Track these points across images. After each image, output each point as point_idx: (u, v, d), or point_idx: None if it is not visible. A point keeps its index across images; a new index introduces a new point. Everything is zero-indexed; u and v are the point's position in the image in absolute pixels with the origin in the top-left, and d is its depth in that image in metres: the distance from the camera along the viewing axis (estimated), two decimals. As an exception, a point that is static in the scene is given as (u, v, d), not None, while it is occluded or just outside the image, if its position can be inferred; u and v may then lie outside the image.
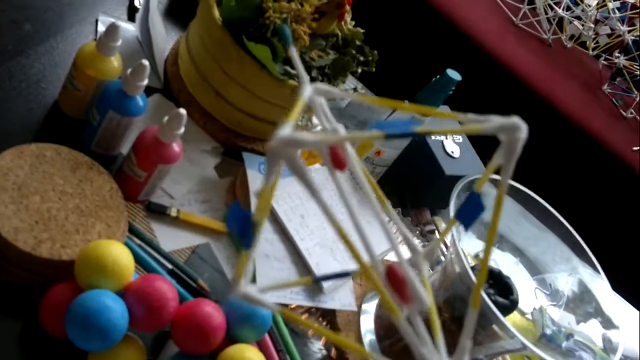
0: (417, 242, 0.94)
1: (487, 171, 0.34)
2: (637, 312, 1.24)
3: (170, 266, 0.72)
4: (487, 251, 0.34)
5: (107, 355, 0.58)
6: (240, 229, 0.34)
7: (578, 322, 0.80)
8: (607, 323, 0.78)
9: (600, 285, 0.80)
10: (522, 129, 0.31)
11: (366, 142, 0.97)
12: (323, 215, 0.90)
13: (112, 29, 0.71)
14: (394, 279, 0.33)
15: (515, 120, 0.32)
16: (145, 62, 0.69)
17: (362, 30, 0.90)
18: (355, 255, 0.33)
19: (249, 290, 0.33)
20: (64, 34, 0.86)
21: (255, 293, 0.33)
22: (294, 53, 0.36)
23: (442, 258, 0.98)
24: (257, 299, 0.33)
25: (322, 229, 0.85)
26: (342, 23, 0.89)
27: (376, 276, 0.33)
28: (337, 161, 0.36)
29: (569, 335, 0.78)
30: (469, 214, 0.36)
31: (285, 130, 0.31)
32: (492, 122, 0.32)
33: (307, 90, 0.35)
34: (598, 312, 0.80)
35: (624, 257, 1.81)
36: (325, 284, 0.80)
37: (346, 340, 0.34)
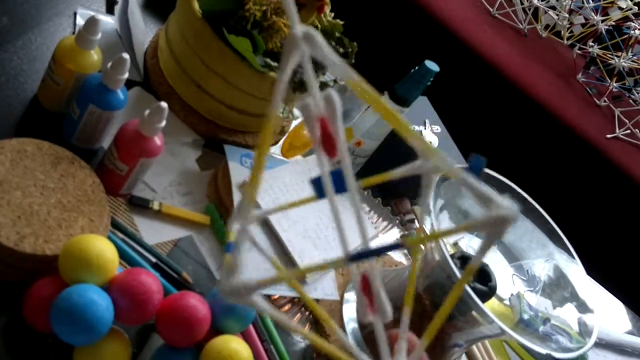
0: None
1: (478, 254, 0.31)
2: (612, 295, 1.27)
3: (153, 259, 0.72)
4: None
5: (93, 349, 0.58)
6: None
7: (554, 307, 0.82)
8: (583, 307, 0.80)
9: (575, 271, 0.82)
10: (509, 222, 0.28)
11: (347, 133, 0.98)
12: (304, 206, 0.91)
13: (92, 23, 0.71)
14: (366, 285, 0.32)
15: (504, 213, 0.29)
16: (126, 56, 0.69)
17: (341, 22, 0.91)
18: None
19: (241, 285, 0.30)
20: (41, 27, 0.85)
21: (250, 294, 0.30)
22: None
23: (422, 247, 0.99)
24: (251, 300, 0.30)
25: (303, 219, 0.86)
26: (322, 15, 0.89)
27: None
28: (327, 140, 0.31)
29: (546, 320, 0.80)
30: None
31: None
32: (482, 220, 0.29)
33: (297, 31, 0.29)
34: (573, 297, 0.82)
35: (599, 241, 1.85)
36: (307, 274, 0.81)
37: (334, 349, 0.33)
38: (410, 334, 0.43)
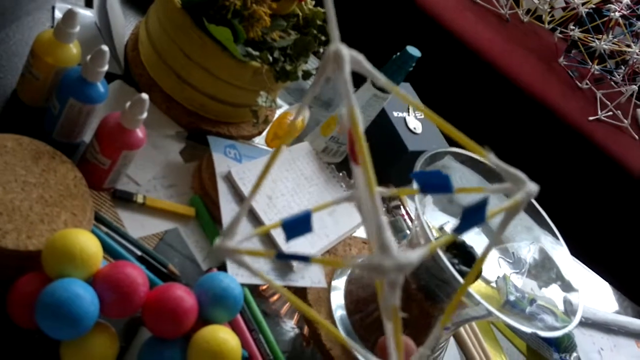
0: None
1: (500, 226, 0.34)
2: (598, 277, 1.28)
3: (139, 252, 0.72)
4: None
5: (79, 343, 0.58)
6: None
7: (540, 288, 0.83)
8: (568, 287, 0.81)
9: (560, 252, 0.83)
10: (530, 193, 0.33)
11: (331, 121, 0.98)
12: (290, 196, 0.91)
13: (70, 15, 0.70)
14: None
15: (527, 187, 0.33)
16: (105, 48, 0.69)
17: (322, 10, 0.91)
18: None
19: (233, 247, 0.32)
20: (20, 22, 0.84)
21: (242, 258, 0.32)
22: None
23: (408, 232, 1.00)
24: (246, 264, 0.32)
25: (289, 208, 0.86)
26: (303, 3, 0.89)
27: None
28: (351, 148, 0.32)
29: (532, 301, 0.81)
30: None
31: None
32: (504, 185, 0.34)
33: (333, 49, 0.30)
34: (559, 277, 0.82)
35: (584, 223, 1.87)
36: (295, 262, 0.81)
37: (321, 319, 0.34)
38: (406, 338, 0.44)
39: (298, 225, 0.34)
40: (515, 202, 0.33)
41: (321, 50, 0.90)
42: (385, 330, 0.33)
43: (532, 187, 0.34)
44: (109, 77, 0.83)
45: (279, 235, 0.82)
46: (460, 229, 0.33)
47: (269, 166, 0.32)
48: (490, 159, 0.34)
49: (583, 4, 2.09)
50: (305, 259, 0.33)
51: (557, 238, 0.83)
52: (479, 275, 0.78)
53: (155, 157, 0.83)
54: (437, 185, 0.35)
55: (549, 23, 2.19)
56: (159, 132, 0.86)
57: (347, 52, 0.30)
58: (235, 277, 0.69)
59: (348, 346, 0.35)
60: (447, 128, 0.33)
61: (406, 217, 1.03)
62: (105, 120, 0.70)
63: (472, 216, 0.33)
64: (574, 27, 2.10)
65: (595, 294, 1.26)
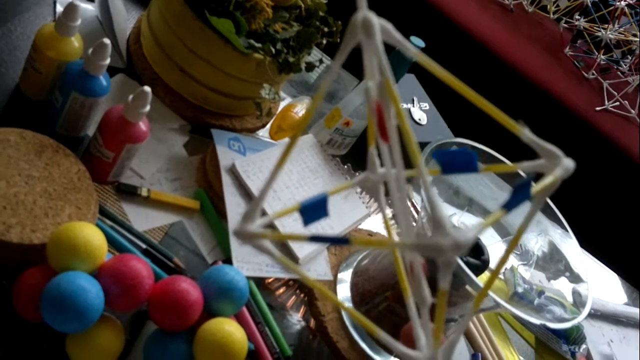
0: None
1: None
2: (608, 269, 1.27)
3: (144, 246, 0.71)
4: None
5: (85, 336, 0.58)
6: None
7: (549, 279, 0.82)
8: (576, 279, 0.80)
9: (569, 244, 0.82)
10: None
11: (335, 113, 0.97)
12: (295, 188, 0.90)
13: (71, 9, 0.70)
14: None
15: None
16: (107, 41, 0.68)
17: (325, 1, 0.90)
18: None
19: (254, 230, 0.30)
20: (21, 16, 0.84)
21: (261, 240, 0.31)
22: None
23: (414, 223, 0.99)
24: (265, 247, 0.31)
25: (294, 201, 0.86)
26: (305, -6, 0.88)
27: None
28: (381, 125, 0.31)
29: (540, 292, 0.80)
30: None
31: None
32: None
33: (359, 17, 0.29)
34: (567, 269, 0.82)
35: (592, 215, 1.86)
36: (301, 255, 0.80)
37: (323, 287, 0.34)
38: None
39: (315, 208, 0.33)
40: (554, 179, 0.32)
41: (324, 41, 0.89)
42: (410, 316, 0.32)
43: (569, 163, 0.33)
44: (112, 71, 0.82)
45: (284, 228, 0.82)
46: (511, 204, 0.33)
47: (285, 156, 0.31)
48: (524, 134, 0.33)
49: (588, -6, 2.07)
50: (343, 240, 0.32)
51: (566, 230, 0.82)
52: (486, 266, 0.77)
53: (159, 150, 0.82)
54: (461, 164, 0.33)
55: (554, 13, 2.18)
56: (163, 125, 0.85)
57: (376, 20, 0.29)
58: (240, 270, 0.68)
59: (372, 330, 0.34)
60: (476, 99, 0.32)
61: (411, 208, 1.02)
62: (108, 114, 0.70)
63: (522, 192, 0.32)
64: (579, 17, 2.08)
65: (604, 285, 1.25)
